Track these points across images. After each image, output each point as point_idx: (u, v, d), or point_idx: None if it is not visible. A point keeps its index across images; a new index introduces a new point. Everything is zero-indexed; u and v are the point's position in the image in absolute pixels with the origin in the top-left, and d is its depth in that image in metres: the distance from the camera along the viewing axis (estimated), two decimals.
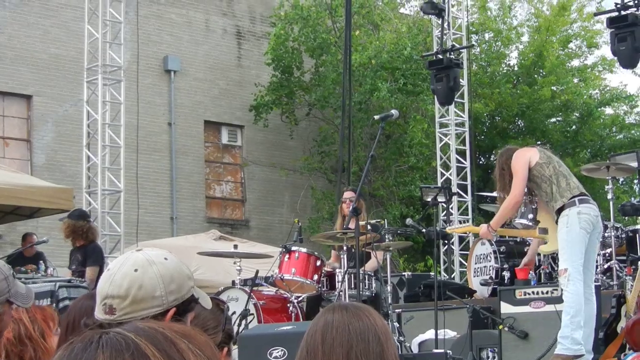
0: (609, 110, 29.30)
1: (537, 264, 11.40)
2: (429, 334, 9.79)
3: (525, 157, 8.33)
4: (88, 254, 11.98)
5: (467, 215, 19.80)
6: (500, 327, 8.97)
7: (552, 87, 26.87)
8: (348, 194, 11.22)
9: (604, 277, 10.68)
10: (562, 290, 8.06)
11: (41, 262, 12.86)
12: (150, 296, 2.68)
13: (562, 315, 7.88)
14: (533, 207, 9.21)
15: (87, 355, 1.47)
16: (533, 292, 8.94)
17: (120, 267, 2.74)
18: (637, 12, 12.99)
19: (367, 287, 10.26)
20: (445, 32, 18.02)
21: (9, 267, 3.65)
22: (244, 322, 9.58)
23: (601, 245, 9.98)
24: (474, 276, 12.22)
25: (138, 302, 2.67)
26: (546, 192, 8.30)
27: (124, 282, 2.69)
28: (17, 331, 3.77)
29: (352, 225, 9.56)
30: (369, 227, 10.28)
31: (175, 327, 1.57)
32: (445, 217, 14.81)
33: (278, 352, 8.14)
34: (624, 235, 10.99)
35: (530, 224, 11.69)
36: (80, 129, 18.97)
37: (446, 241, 17.75)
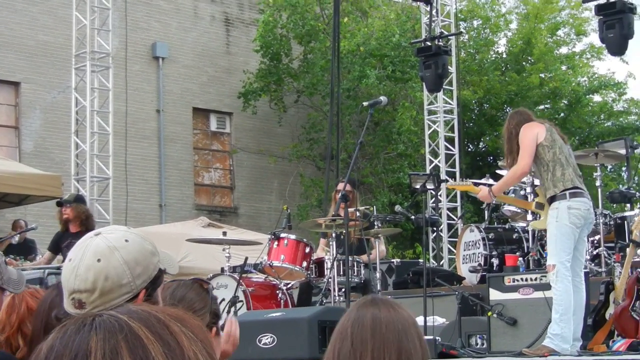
0: (597, 98, 29.35)
1: (525, 251, 11.44)
2: (418, 321, 9.79)
3: (534, 132, 8.23)
4: None
5: (456, 202, 19.87)
6: (489, 313, 8.97)
7: (541, 75, 26.91)
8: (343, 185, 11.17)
9: (593, 264, 10.71)
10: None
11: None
12: (117, 285, 2.66)
13: (552, 312, 7.88)
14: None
15: (81, 337, 1.47)
16: (522, 279, 8.94)
17: (82, 257, 2.69)
18: None
19: (356, 274, 10.26)
20: (433, 19, 18.01)
21: (1, 254, 3.66)
22: (233, 309, 9.57)
23: (590, 232, 10.00)
24: (463, 263, 12.24)
25: (106, 293, 2.65)
26: (541, 176, 8.29)
27: (89, 276, 2.66)
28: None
29: (341, 212, 9.55)
30: (358, 214, 10.29)
31: (168, 311, 1.58)
32: (434, 205, 14.81)
33: (267, 338, 8.16)
34: (612, 223, 11.00)
35: (519, 210, 11.75)
36: (69, 116, 18.95)
37: (435, 228, 17.78)
